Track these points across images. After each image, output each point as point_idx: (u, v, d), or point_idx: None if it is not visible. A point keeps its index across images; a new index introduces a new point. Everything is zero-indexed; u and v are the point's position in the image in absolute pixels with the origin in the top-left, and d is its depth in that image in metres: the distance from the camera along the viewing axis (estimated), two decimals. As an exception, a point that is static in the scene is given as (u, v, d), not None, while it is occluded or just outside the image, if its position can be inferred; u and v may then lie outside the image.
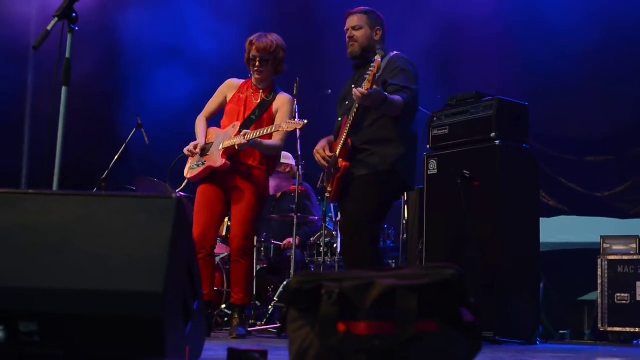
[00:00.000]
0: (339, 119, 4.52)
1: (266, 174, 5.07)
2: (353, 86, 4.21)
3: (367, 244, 4.29)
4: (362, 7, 4.58)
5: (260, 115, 5.04)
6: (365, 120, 4.36)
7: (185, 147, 5.10)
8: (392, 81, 4.31)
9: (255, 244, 5.39)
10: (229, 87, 5.22)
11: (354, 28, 4.52)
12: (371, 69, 4.00)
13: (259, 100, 5.09)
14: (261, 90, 5.12)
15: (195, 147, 5.02)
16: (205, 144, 5.05)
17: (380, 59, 4.05)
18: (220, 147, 4.95)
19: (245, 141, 4.76)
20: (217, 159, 4.95)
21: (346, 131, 4.29)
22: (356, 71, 4.60)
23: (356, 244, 4.32)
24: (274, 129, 4.80)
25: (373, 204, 4.34)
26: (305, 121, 4.65)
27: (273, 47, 5.03)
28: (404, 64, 4.43)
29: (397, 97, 4.21)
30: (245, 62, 5.13)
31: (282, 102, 5.09)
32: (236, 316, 4.97)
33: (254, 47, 5.04)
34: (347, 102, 4.44)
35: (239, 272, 4.95)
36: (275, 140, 4.93)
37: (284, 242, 6.74)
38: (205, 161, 5.02)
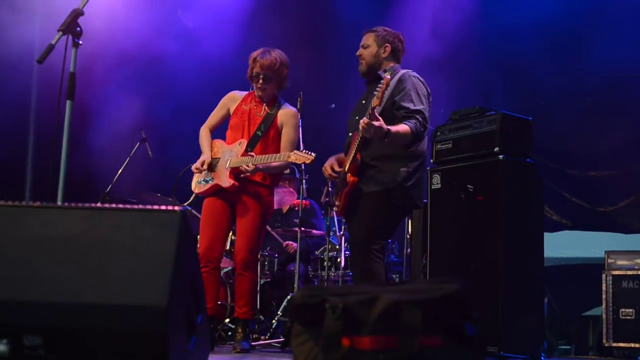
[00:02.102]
0: (349, 134, 4.53)
1: (270, 189, 5.07)
2: (364, 102, 4.24)
3: (373, 259, 4.33)
4: (376, 27, 4.63)
5: (266, 131, 5.02)
6: None
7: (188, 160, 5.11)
8: (402, 104, 4.32)
9: (259, 258, 5.38)
10: (231, 100, 5.19)
11: (362, 46, 4.58)
12: (380, 86, 4.04)
13: (262, 114, 5.07)
14: (264, 104, 5.10)
15: (202, 164, 5.02)
16: (212, 158, 5.05)
17: (389, 77, 4.09)
18: (228, 165, 4.94)
19: (253, 166, 4.78)
20: (224, 179, 4.94)
21: (355, 146, 4.31)
22: (368, 87, 4.62)
23: (363, 259, 4.37)
24: (282, 157, 4.78)
25: (380, 221, 4.39)
26: (314, 155, 4.65)
27: (277, 65, 5.00)
28: (414, 82, 4.43)
29: (403, 127, 4.21)
30: (248, 78, 5.10)
31: (287, 116, 5.07)
32: (240, 330, 4.95)
33: (257, 64, 5.00)
34: (357, 118, 4.40)
35: (242, 285, 4.94)
36: (281, 161, 4.90)
37: (285, 242, 6.74)
38: (212, 178, 5.01)
